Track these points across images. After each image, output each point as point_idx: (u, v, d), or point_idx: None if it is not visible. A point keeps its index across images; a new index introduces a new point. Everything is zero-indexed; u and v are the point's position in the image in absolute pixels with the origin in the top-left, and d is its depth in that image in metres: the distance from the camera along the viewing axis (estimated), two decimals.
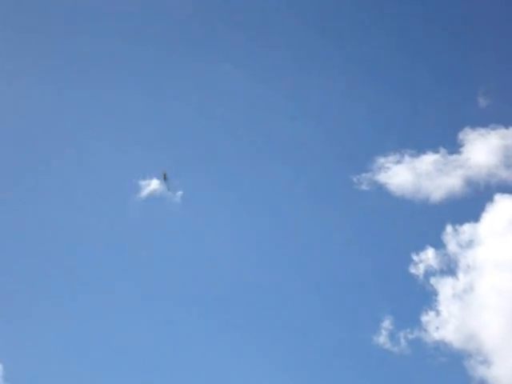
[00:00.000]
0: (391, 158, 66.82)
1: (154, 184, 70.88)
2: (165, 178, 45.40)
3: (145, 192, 70.96)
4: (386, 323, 65.23)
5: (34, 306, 67.26)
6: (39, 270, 69.41)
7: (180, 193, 71.38)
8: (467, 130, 65.49)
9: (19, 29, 79.16)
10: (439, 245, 63.95)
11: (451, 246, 60.53)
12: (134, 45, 79.10)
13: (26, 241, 70.99)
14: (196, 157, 73.43)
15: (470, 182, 67.20)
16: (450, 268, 61.36)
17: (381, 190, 69.22)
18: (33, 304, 67.59)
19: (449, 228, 59.66)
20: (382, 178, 67.14)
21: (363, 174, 70.00)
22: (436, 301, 61.00)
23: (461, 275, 57.41)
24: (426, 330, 59.91)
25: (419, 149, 69.63)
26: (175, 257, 68.76)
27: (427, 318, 59.43)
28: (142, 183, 71.62)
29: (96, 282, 67.42)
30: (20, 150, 75.84)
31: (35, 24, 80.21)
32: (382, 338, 65.69)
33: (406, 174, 64.73)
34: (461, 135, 65.40)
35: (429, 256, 58.70)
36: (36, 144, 76.04)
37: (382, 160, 67.40)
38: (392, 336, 64.04)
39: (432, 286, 60.57)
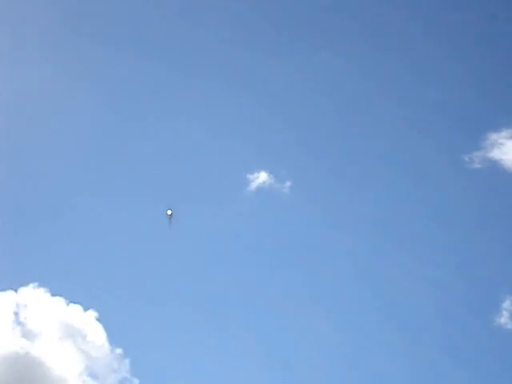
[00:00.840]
0: (504, 134, 64.23)
1: (262, 176, 71.23)
2: (170, 217, 45.48)
3: (254, 185, 71.67)
4: (507, 304, 63.12)
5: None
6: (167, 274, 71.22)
7: (289, 183, 71.61)
8: None
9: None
10: None
11: None
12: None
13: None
14: (303, 147, 73.57)
15: None
16: None
17: (495, 168, 66.63)
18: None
19: None
20: (496, 154, 64.60)
21: (474, 153, 67.55)
22: None
23: None
24: None
25: None
26: (287, 247, 69.27)
27: None
28: (250, 176, 72.33)
29: (216, 278, 68.48)
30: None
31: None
32: (504, 319, 63.68)
33: None
34: None
35: None
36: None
37: (494, 136, 64.89)
38: None
39: None
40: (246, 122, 75.97)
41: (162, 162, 74.32)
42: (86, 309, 64.95)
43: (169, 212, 46.60)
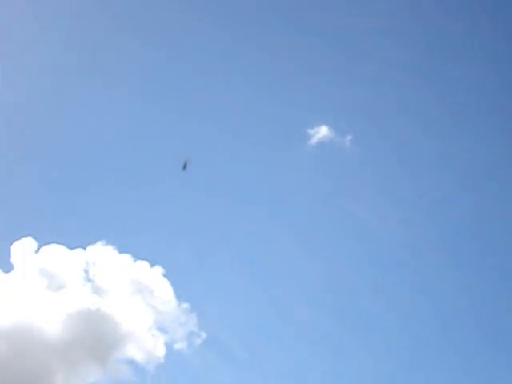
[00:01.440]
0: None
1: (322, 131, 70.69)
2: (185, 166, 45.10)
3: (314, 140, 71.31)
4: None
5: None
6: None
7: (350, 137, 71.02)
8: None
9: None
10: None
11: None
12: None
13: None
14: (362, 102, 72.55)
15: None
16: None
17: None
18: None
19: None
20: None
21: None
22: None
23: None
24: None
25: None
26: (346, 204, 69.02)
27: None
28: (311, 131, 71.95)
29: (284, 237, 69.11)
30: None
31: None
32: None
33: None
34: None
35: None
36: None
37: None
38: None
39: None
40: (305, 76, 75.36)
41: (223, 113, 74.58)
42: (152, 265, 66.67)
43: (185, 161, 46.30)
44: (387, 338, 66.02)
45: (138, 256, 67.07)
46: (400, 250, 68.50)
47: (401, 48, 73.07)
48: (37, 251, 64.72)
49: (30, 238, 65.16)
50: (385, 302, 66.11)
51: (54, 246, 65.68)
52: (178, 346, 67.02)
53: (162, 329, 65.51)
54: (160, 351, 64.71)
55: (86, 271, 64.75)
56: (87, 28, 75.03)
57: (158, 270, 66.43)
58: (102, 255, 65.61)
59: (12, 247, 64.61)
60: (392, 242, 68.90)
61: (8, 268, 64.44)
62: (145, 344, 63.74)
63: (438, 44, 73.25)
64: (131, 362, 63.78)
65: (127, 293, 64.31)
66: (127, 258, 66.60)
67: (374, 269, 70.51)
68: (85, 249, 66.23)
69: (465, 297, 65.09)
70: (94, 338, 59.41)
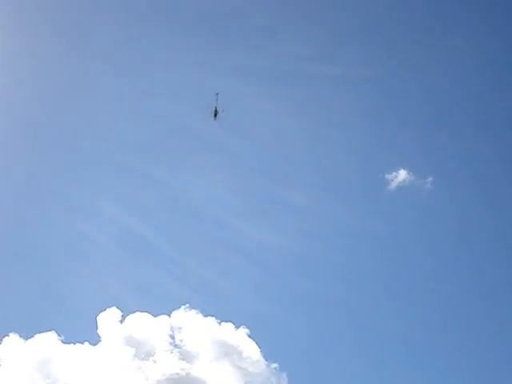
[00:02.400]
0: None
1: (401, 175, 69.18)
2: (215, 113, 41.91)
3: (393, 184, 69.74)
4: None
5: None
6: None
7: (430, 179, 69.30)
8: None
9: None
10: None
11: None
12: None
13: None
14: (447, 144, 71.05)
15: None
16: None
17: None
18: None
19: None
20: None
21: None
22: None
23: None
24: None
25: None
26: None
27: None
28: (389, 176, 70.66)
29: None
30: None
31: None
32: None
33: None
34: None
35: None
36: None
37: None
38: None
39: None
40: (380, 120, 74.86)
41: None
42: (237, 326, 65.83)
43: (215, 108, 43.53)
44: None
45: (222, 318, 66.71)
46: None
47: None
48: (122, 321, 65.11)
49: (114, 308, 65.73)
50: None
51: (138, 314, 66.06)
52: None
53: None
54: None
55: (173, 337, 64.48)
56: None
57: (244, 331, 65.67)
58: (187, 320, 65.41)
59: (98, 318, 65.27)
60: None
61: (95, 340, 64.87)
62: None
63: None
64: None
65: (215, 356, 63.49)
66: (212, 320, 66.19)
67: None
68: (169, 315, 66.34)
69: None
70: None
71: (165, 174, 74.78)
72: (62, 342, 63.93)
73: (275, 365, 65.63)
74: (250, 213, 76.44)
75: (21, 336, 63.91)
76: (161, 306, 66.40)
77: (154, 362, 60.61)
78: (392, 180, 70.79)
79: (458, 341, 66.62)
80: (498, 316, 67.75)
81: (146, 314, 65.35)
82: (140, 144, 75.90)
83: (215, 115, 42.57)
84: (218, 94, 42.28)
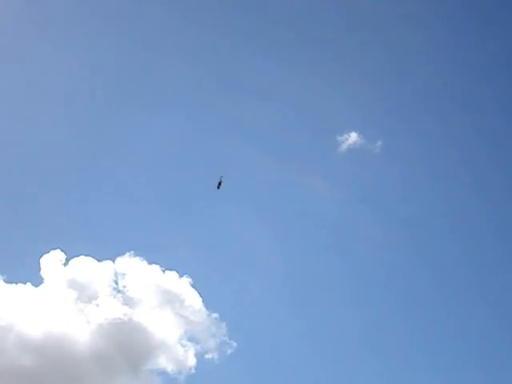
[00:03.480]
0: None
1: (352, 137, 70.17)
2: (219, 185, 47.28)
3: (344, 146, 70.92)
4: None
5: None
6: None
7: (380, 143, 70.71)
8: None
9: None
10: None
11: None
12: None
13: None
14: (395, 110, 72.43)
15: None
16: None
17: None
18: None
19: None
20: None
21: None
22: None
23: None
24: None
25: None
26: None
27: None
28: (340, 138, 71.72)
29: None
30: None
31: None
32: None
33: None
34: None
35: None
36: None
37: None
38: None
39: None
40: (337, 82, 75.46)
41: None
42: (181, 275, 66.67)
43: (220, 179, 47.63)
44: None
45: (166, 266, 67.40)
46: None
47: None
48: (66, 264, 65.16)
49: (58, 251, 65.63)
50: None
51: (82, 258, 66.18)
52: (208, 356, 66.94)
53: (192, 339, 65.49)
54: (191, 361, 64.67)
55: (116, 282, 64.98)
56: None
57: (187, 280, 66.57)
58: (131, 266, 65.93)
59: (41, 261, 65.14)
60: None
61: (38, 281, 64.82)
62: (176, 354, 63.73)
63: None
64: (162, 373, 63.66)
65: (158, 303, 64.41)
66: (156, 268, 66.85)
67: None
68: (113, 260, 66.67)
69: None
70: (126, 349, 59.35)
71: None
72: (4, 281, 63.89)
73: (216, 315, 67.02)
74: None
75: None
76: (105, 252, 66.70)
77: (97, 305, 61.16)
78: (343, 142, 71.95)
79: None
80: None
81: (89, 259, 65.55)
82: None
83: (219, 186, 46.44)
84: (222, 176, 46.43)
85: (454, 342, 66.43)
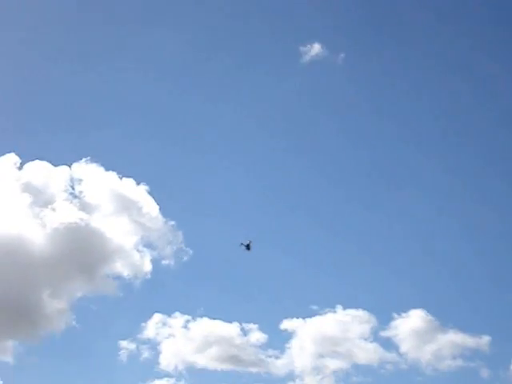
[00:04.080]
0: None
1: (315, 48, 69.18)
2: (248, 247, 49.03)
3: (307, 57, 70.08)
4: None
5: None
6: None
7: (343, 55, 69.98)
8: None
9: None
10: None
11: None
12: None
13: None
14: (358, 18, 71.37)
15: None
16: None
17: None
18: None
19: None
20: None
21: None
22: None
23: None
24: None
25: None
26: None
27: None
28: (303, 49, 70.82)
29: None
30: None
31: None
32: None
33: None
34: None
35: None
36: None
37: None
38: None
39: None
40: None
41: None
42: (138, 182, 66.42)
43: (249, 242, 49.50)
44: None
45: (123, 173, 66.94)
46: None
47: None
48: (20, 168, 64.18)
49: (12, 154, 64.48)
50: None
51: (37, 162, 65.18)
52: (164, 262, 67.70)
53: (148, 245, 66.01)
54: (147, 267, 65.33)
55: (73, 187, 64.41)
56: None
57: (144, 188, 66.43)
58: (88, 172, 65.31)
59: None
60: None
61: None
62: (132, 260, 64.23)
63: None
64: (118, 278, 64.32)
65: (114, 210, 64.27)
66: (113, 175, 66.41)
67: None
68: (70, 166, 65.83)
69: None
70: (82, 254, 59.44)
71: None
72: None
73: (172, 222, 67.46)
74: None
75: None
76: (61, 157, 65.83)
77: (53, 210, 60.72)
78: (306, 53, 71.16)
79: None
80: None
81: (45, 163, 64.68)
82: None
83: (248, 248, 47.70)
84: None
85: None
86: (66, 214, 59.73)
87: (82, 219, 59.52)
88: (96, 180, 64.29)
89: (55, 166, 64.50)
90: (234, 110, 72.02)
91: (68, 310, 61.33)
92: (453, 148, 72.56)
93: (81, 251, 59.00)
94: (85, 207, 61.72)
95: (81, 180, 64.18)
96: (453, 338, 65.29)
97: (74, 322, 62.95)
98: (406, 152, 70.88)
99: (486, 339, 65.18)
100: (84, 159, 65.56)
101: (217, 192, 73.96)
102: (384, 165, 71.15)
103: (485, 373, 64.71)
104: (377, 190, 72.78)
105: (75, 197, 63.13)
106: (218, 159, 74.61)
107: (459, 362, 64.94)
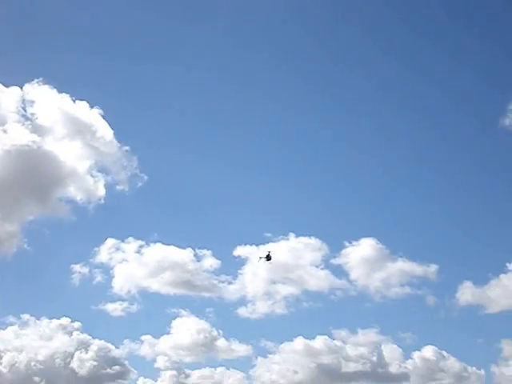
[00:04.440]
0: None
1: None
2: (268, 257, 49.55)
3: None
4: None
5: None
6: None
7: None
8: None
9: None
10: None
11: None
12: None
13: None
14: None
15: None
16: None
17: None
18: None
19: None
20: None
21: None
22: None
23: None
24: None
25: None
26: None
27: None
28: None
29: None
30: None
31: None
32: (508, 121, 66.77)
33: None
34: None
35: None
36: None
37: None
38: None
39: None
40: None
41: None
42: (91, 106, 65.22)
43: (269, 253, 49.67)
44: None
45: (77, 96, 65.54)
46: None
47: None
48: None
49: None
50: None
51: None
52: (119, 187, 67.41)
53: (102, 170, 65.49)
54: (100, 192, 65.00)
55: (24, 109, 62.97)
56: None
57: (98, 112, 65.31)
58: (40, 94, 63.76)
59: None
60: None
61: None
62: (85, 184, 63.72)
63: None
64: (71, 202, 63.99)
65: (68, 133, 63.18)
66: (66, 97, 65.01)
67: None
68: (21, 87, 64.19)
69: None
70: (34, 177, 58.67)
71: None
72: None
73: (127, 147, 66.90)
74: None
75: None
76: (12, 77, 64.14)
77: (4, 131, 59.41)
78: None
79: None
80: None
81: None
82: None
83: (268, 259, 49.46)
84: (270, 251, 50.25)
85: None
86: (17, 136, 58.61)
87: (34, 142, 58.47)
88: (49, 102, 62.96)
89: (6, 86, 63.08)
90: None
91: (19, 233, 61.06)
92: None
93: (33, 174, 58.25)
94: (37, 130, 60.57)
95: (33, 102, 62.82)
96: (401, 266, 67.35)
97: (25, 245, 62.96)
98: None
99: (433, 268, 67.16)
100: (36, 80, 64.06)
101: (172, 117, 73.37)
102: None
103: (431, 300, 67.01)
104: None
105: (27, 119, 61.91)
106: (174, 81, 73.58)
107: (407, 290, 67.08)
